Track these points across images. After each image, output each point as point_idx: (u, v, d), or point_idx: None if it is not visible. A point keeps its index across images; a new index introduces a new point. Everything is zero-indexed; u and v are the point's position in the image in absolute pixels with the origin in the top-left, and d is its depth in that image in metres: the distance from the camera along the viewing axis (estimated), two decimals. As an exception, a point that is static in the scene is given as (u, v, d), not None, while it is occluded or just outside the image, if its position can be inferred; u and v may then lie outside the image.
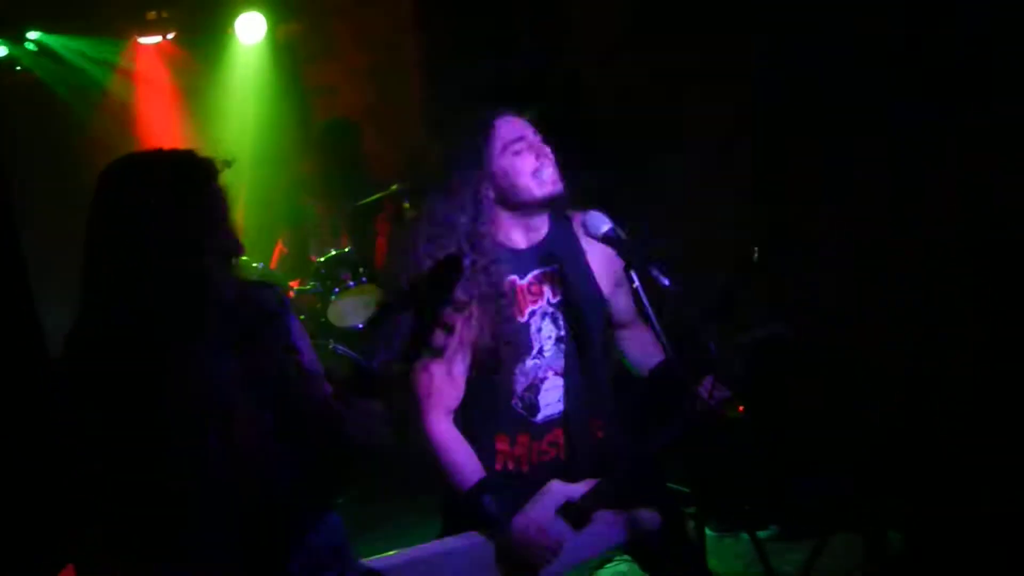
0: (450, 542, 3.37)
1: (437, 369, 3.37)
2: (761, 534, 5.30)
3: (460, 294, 3.30)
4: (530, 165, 3.38)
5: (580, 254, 3.54)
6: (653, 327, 3.23)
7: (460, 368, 3.40)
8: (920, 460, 4.93)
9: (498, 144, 3.38)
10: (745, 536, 5.26)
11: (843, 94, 5.08)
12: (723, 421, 3.41)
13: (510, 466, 3.48)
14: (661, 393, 3.62)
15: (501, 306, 3.37)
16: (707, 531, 5.34)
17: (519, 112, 3.48)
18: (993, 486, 4.61)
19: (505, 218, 3.43)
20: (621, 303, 3.68)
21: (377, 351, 2.39)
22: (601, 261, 3.55)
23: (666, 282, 3.21)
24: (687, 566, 3.61)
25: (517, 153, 3.38)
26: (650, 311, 3.24)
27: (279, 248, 7.33)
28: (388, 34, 7.73)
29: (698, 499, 3.67)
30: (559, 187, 3.40)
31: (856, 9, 4.90)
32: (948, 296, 4.91)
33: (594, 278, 3.56)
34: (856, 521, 5.06)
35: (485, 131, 3.40)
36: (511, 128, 3.42)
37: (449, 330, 2.71)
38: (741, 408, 5.22)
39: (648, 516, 3.53)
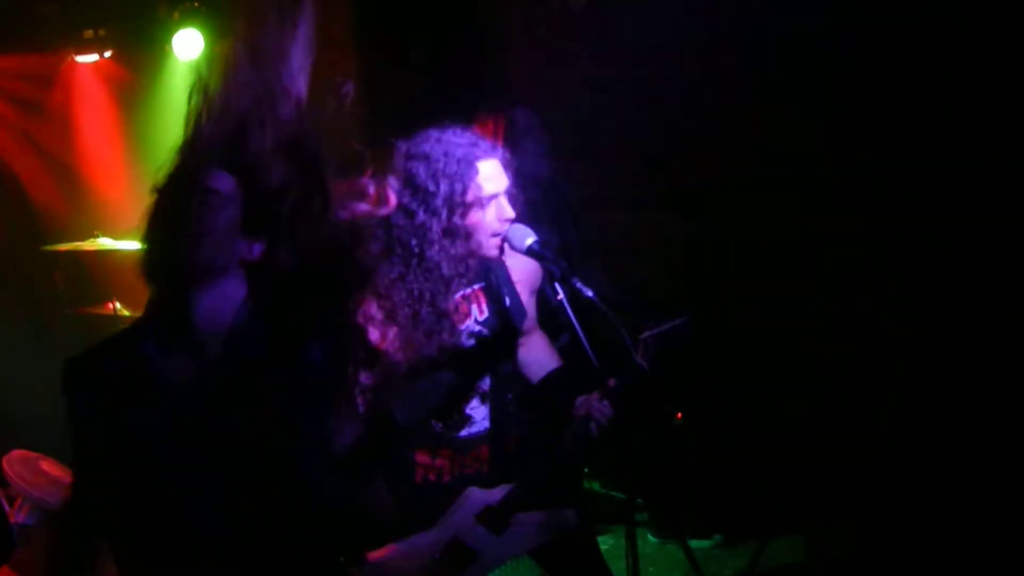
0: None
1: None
2: (706, 543, 5.34)
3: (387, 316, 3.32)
4: (494, 224, 3.36)
5: (503, 268, 3.56)
6: (579, 338, 3.27)
7: None
8: (860, 461, 4.98)
9: (474, 191, 3.32)
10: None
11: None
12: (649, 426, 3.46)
13: (431, 477, 3.48)
14: (557, 399, 3.67)
15: (429, 327, 3.35)
16: (649, 537, 5.43)
17: (493, 150, 3.42)
18: (937, 486, 4.67)
19: (446, 245, 3.37)
20: (531, 312, 3.71)
21: (409, 405, 2.36)
22: (520, 271, 3.59)
23: (589, 293, 3.25)
24: (590, 569, 3.68)
25: (484, 207, 3.34)
26: (576, 323, 3.28)
27: None
28: (322, 47, 7.70)
29: (630, 506, 3.70)
30: (500, 251, 3.43)
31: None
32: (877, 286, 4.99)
33: (517, 292, 3.58)
34: (797, 525, 5.12)
35: (466, 169, 3.32)
36: (491, 178, 3.36)
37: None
38: (679, 415, 5.31)
39: (567, 515, 3.58)
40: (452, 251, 3.33)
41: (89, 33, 7.62)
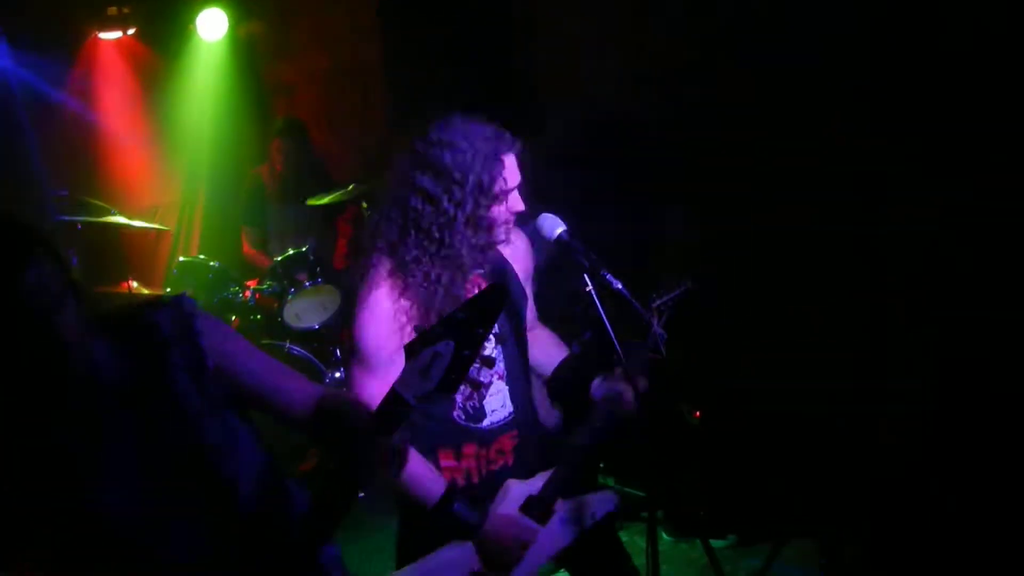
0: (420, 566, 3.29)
1: (380, 386, 3.17)
2: (720, 543, 5.30)
3: (421, 302, 3.28)
4: (504, 216, 3.32)
5: (500, 256, 3.52)
6: (607, 331, 3.23)
7: None
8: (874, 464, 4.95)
9: (499, 184, 3.26)
10: (699, 542, 5.27)
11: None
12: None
13: (460, 481, 3.41)
14: (569, 388, 3.63)
15: (441, 310, 3.26)
16: (663, 536, 5.39)
17: (513, 144, 3.34)
18: (949, 486, 4.64)
19: (468, 235, 3.30)
20: (531, 303, 3.67)
21: (411, 382, 2.31)
22: (518, 257, 3.56)
23: (618, 285, 3.21)
24: (614, 566, 3.63)
25: (504, 200, 3.30)
26: (604, 316, 3.24)
27: (246, 250, 7.30)
28: (348, 34, 7.71)
29: (652, 504, 3.65)
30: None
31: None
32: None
33: (518, 278, 3.55)
34: (812, 527, 5.08)
35: (493, 163, 3.26)
36: (512, 171, 3.30)
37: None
38: (697, 414, 5.27)
39: (605, 498, 3.55)
40: (474, 240, 3.29)
41: (113, 10, 7.63)
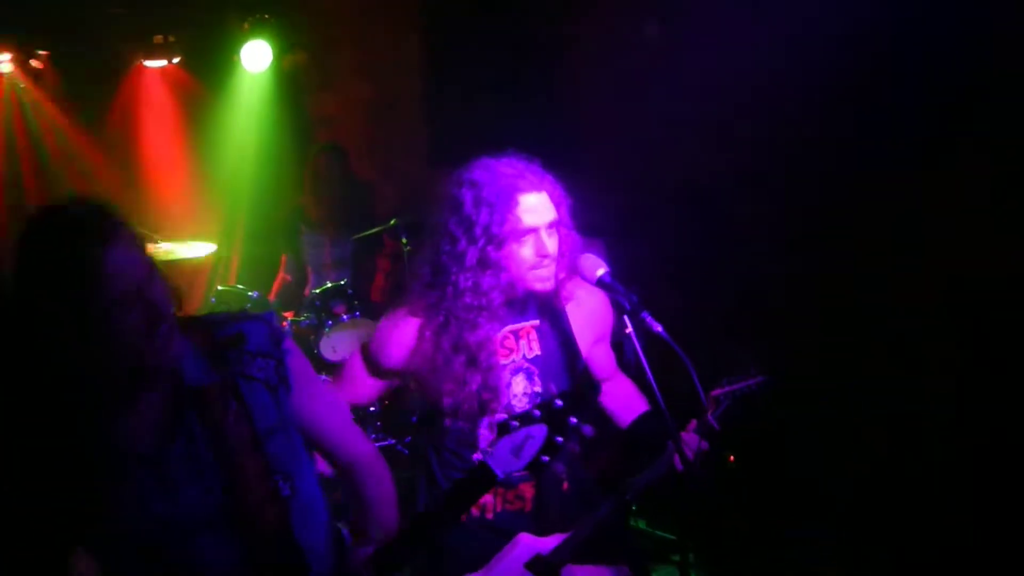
0: None
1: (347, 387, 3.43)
2: (753, 586, 5.27)
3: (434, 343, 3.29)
4: (531, 259, 3.27)
5: (561, 312, 3.48)
6: (646, 376, 3.19)
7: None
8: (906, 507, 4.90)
9: (511, 223, 3.23)
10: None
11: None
12: (703, 472, 3.36)
13: (474, 512, 3.41)
14: (641, 444, 3.59)
15: (472, 358, 3.29)
16: (694, 579, 5.34)
17: (540, 183, 3.31)
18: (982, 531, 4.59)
19: (476, 275, 3.30)
20: (601, 358, 3.64)
21: (502, 458, 2.43)
22: (582, 316, 3.50)
23: (658, 328, 3.17)
24: None
25: (523, 243, 3.26)
26: (643, 358, 3.20)
27: (281, 275, 7.30)
28: (390, 66, 7.75)
29: (684, 547, 3.63)
30: (551, 285, 3.34)
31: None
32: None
33: (573, 336, 3.50)
34: (844, 571, 5.04)
35: (506, 200, 3.24)
36: (532, 211, 3.25)
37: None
38: (732, 458, 5.22)
39: (620, 572, 3.49)
40: (482, 281, 3.26)
41: (159, 39, 7.72)
